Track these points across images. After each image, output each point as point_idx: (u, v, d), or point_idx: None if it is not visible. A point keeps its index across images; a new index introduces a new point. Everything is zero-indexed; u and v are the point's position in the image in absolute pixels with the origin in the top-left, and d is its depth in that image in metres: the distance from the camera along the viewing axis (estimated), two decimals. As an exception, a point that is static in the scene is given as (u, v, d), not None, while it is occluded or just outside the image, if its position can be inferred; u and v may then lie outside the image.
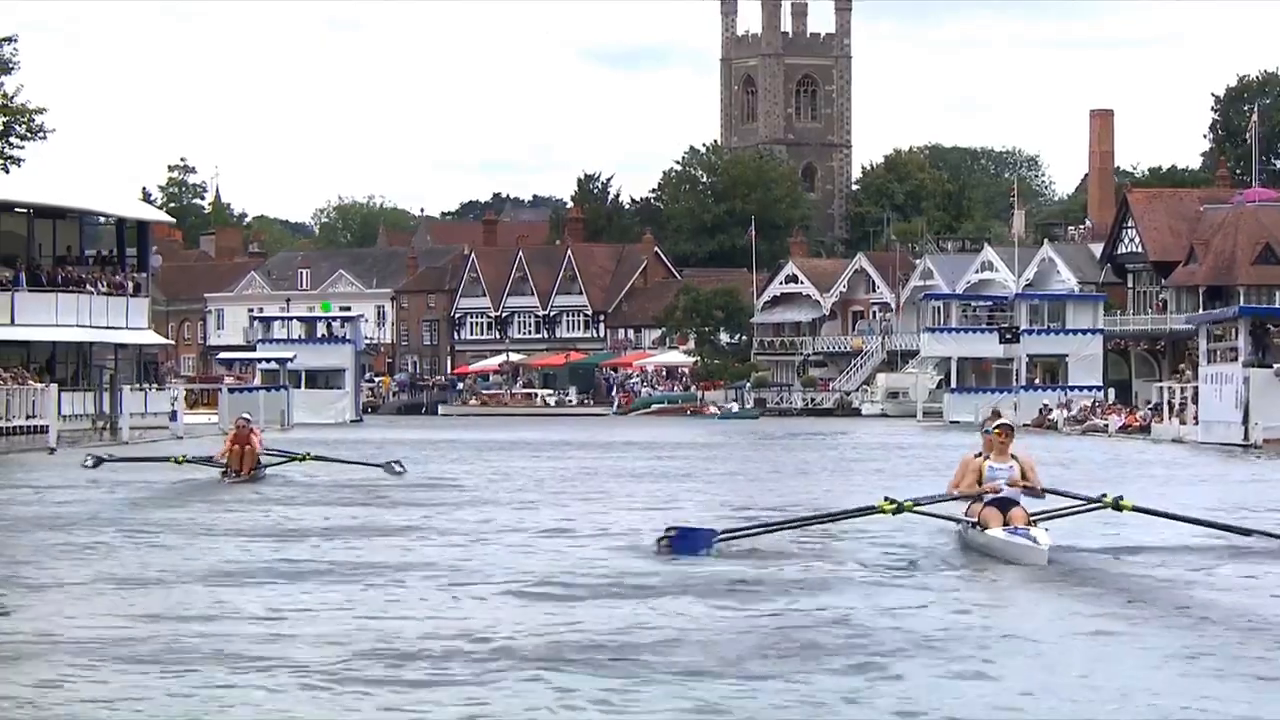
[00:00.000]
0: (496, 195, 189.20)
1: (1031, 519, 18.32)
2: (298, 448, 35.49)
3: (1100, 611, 14.47)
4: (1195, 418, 53.23)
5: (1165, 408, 58.47)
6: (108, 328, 65.23)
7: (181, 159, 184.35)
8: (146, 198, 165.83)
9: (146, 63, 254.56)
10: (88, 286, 64.60)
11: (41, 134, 58.52)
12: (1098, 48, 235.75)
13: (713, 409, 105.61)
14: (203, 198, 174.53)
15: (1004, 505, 18.40)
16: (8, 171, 58.91)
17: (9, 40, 59.36)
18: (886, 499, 19.12)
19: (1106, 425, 64.73)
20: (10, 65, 59.71)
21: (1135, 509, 18.77)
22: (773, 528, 19.74)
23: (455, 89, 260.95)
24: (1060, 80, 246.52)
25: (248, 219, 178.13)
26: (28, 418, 55.62)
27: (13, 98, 58.53)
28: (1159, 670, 11.73)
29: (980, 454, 19.17)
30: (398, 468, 33.26)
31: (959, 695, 10.78)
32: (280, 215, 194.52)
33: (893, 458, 45.16)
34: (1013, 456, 18.75)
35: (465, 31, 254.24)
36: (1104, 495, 19.09)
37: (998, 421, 19.73)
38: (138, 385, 69.38)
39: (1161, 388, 61.39)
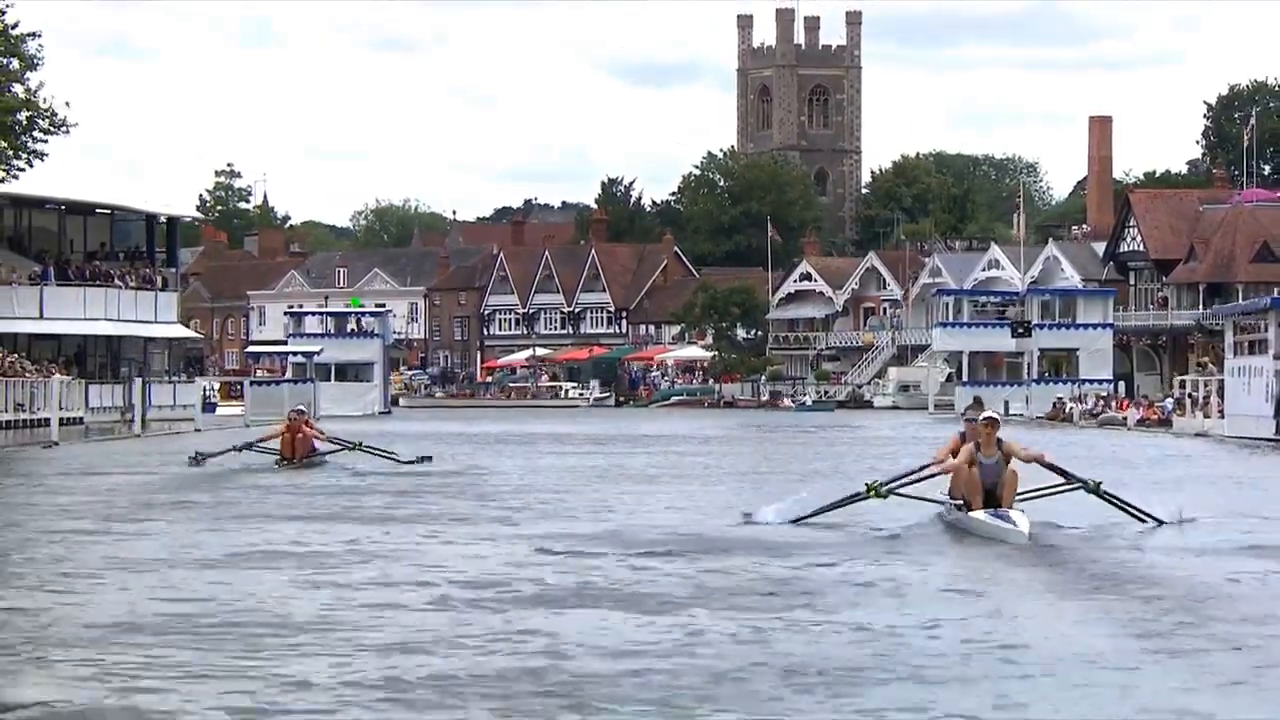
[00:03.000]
0: (527, 201, 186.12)
1: (1013, 499, 18.11)
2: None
3: (1071, 588, 14.21)
4: (1221, 411, 48.24)
5: (1188, 401, 53.29)
6: (136, 321, 61.44)
7: (228, 164, 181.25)
8: (202, 203, 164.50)
9: (209, 80, 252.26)
10: (116, 281, 60.67)
11: (64, 128, 54.85)
12: (1092, 68, 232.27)
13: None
14: (248, 201, 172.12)
15: (988, 490, 18.21)
16: (31, 166, 55.40)
17: (33, 35, 55.44)
18: (868, 485, 19.04)
19: (1124, 419, 59.66)
20: (35, 61, 55.83)
21: (1106, 495, 18.64)
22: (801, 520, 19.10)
23: (494, 106, 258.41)
24: (1055, 96, 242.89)
25: (290, 222, 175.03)
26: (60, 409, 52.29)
27: (35, 93, 54.89)
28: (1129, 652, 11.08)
29: (962, 434, 18.96)
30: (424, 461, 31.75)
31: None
32: (326, 220, 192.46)
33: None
34: (998, 445, 18.37)
35: (501, 50, 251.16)
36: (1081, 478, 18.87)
37: (985, 415, 19.11)
38: (167, 378, 65.97)
39: (1184, 381, 56.13)
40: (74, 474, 29.96)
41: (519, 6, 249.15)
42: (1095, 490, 18.65)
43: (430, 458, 31.96)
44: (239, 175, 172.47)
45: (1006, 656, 10.71)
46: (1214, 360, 56.21)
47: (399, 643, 11.04)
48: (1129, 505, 19.18)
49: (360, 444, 32.04)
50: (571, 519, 20.62)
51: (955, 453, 18.67)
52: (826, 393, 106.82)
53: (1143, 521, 18.96)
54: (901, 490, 19.12)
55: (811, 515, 19.15)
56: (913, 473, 19.42)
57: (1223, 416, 47.83)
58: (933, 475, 18.98)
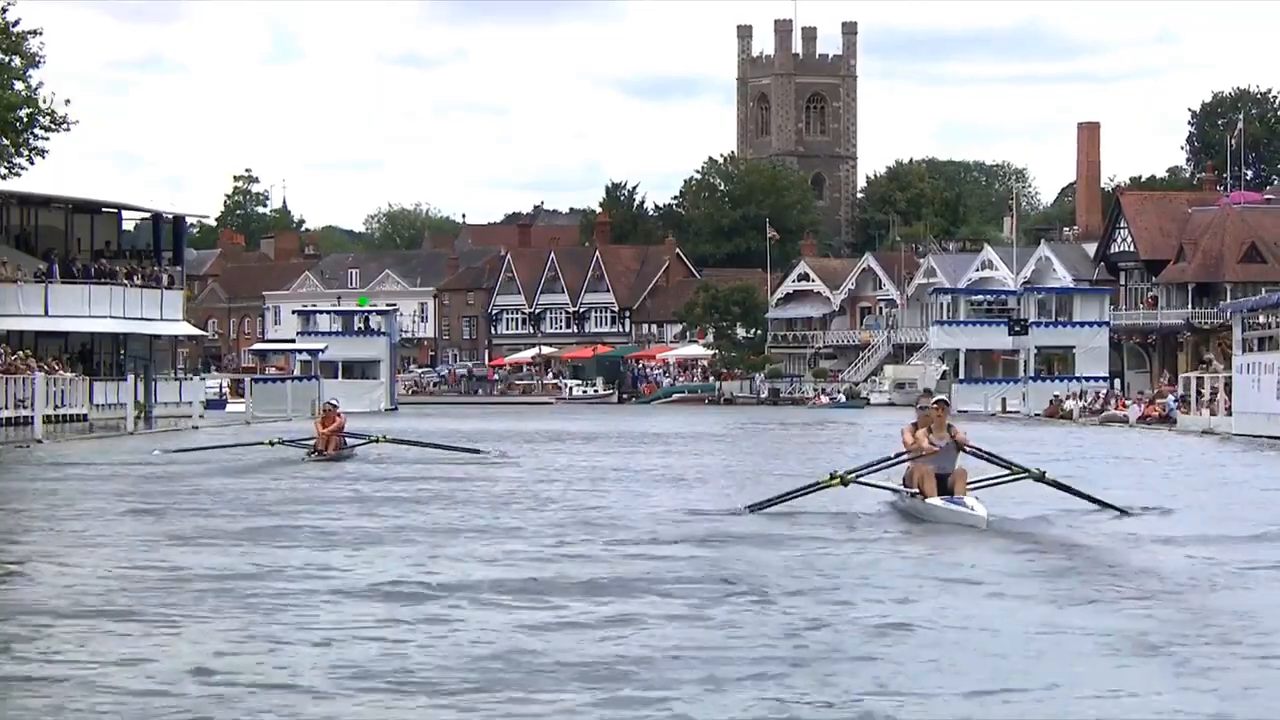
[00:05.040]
0: (536, 207, 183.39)
1: (965, 488, 17.89)
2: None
3: (1029, 568, 14.27)
4: (1228, 409, 45.05)
5: (1194, 398, 49.93)
6: (142, 319, 58.56)
7: (246, 169, 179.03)
8: (227, 208, 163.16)
9: (236, 94, 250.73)
10: (121, 279, 57.80)
11: (64, 125, 52.13)
12: (1076, 82, 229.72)
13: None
14: (265, 205, 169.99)
15: (941, 478, 18.02)
16: (33, 163, 52.80)
17: (34, 34, 52.66)
18: (832, 474, 18.66)
19: (1126, 416, 56.36)
20: (37, 59, 53.07)
21: (1054, 483, 18.43)
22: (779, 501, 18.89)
23: (506, 119, 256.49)
24: (1041, 108, 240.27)
25: (306, 227, 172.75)
26: (55, 408, 49.82)
27: (36, 90, 52.21)
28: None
29: (915, 425, 18.84)
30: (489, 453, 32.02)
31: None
32: (344, 226, 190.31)
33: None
34: (948, 429, 18.36)
35: (513, 66, 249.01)
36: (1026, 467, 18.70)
37: (936, 398, 19.31)
38: (173, 375, 63.28)
39: (1188, 378, 52.74)
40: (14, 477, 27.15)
41: (530, 24, 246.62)
42: (1041, 479, 18.41)
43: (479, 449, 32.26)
44: (256, 180, 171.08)
45: (981, 637, 10.61)
46: (1219, 356, 53.04)
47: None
48: (1083, 493, 19.07)
49: (383, 436, 31.77)
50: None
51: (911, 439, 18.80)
52: (824, 390, 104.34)
53: (1103, 508, 18.82)
54: (864, 479, 18.96)
55: (771, 503, 18.92)
56: (880, 461, 19.25)
57: (1230, 414, 44.69)
58: (901, 458, 18.74)
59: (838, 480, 18.51)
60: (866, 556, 14.93)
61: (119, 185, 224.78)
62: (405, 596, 12.22)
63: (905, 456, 18.65)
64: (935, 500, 17.79)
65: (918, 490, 18.25)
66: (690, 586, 12.79)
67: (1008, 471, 18.79)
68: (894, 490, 19.04)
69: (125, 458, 31.93)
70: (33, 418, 40.91)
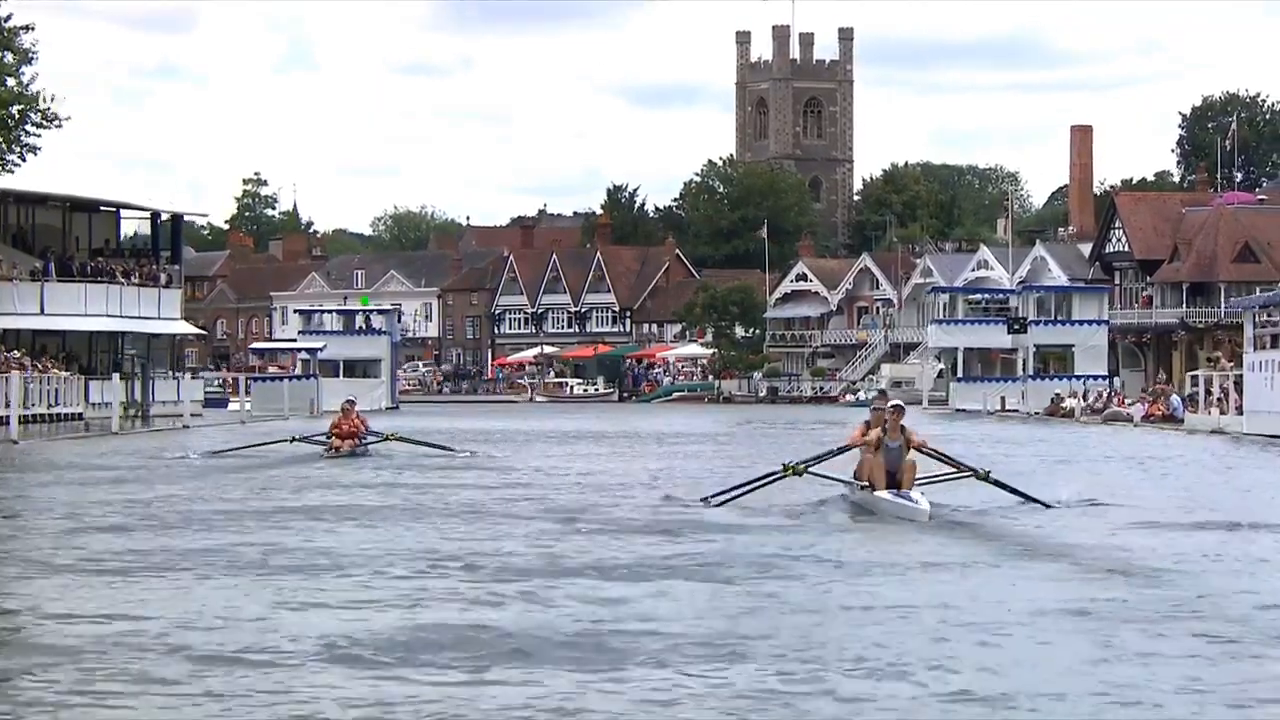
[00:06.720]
0: (540, 211, 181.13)
1: (913, 483, 18.34)
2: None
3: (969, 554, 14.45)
4: (1238, 408, 42.56)
5: (1201, 397, 47.26)
6: (139, 318, 56.50)
7: (255, 173, 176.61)
8: (239, 211, 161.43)
9: (251, 101, 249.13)
10: (118, 277, 55.56)
11: (56, 122, 49.86)
12: (1066, 90, 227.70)
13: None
14: (274, 207, 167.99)
15: (890, 474, 18.42)
16: (24, 159, 50.54)
17: (26, 29, 50.38)
18: (785, 464, 19.11)
19: (1130, 415, 53.74)
20: (31, 55, 50.79)
21: (996, 482, 18.80)
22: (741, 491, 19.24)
23: (511, 126, 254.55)
24: (1032, 115, 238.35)
25: (315, 230, 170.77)
26: (49, 407, 47.87)
27: (28, 86, 49.91)
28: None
29: (867, 422, 19.26)
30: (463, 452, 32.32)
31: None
32: (353, 229, 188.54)
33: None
34: (901, 430, 18.62)
35: (519, 74, 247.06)
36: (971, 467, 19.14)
37: (891, 403, 19.51)
38: (171, 374, 61.12)
39: (1197, 376, 50.08)
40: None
41: (533, 33, 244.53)
42: (985, 478, 18.82)
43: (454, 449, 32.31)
44: (265, 183, 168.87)
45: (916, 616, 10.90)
46: (1228, 354, 50.48)
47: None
48: (1018, 491, 19.30)
49: (395, 434, 32.23)
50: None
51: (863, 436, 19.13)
52: (822, 388, 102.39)
53: (1036, 504, 18.97)
54: (816, 469, 19.24)
55: (732, 494, 19.14)
56: (830, 452, 19.66)
57: (1240, 413, 42.21)
58: (847, 449, 19.26)
59: (791, 470, 18.92)
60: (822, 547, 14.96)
61: (130, 188, 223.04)
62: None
63: (846, 444, 19.49)
64: (883, 493, 18.22)
65: (867, 483, 18.61)
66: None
67: (954, 470, 19.24)
68: (845, 483, 19.35)
69: (99, 461, 29.64)
70: (8, 417, 38.40)
